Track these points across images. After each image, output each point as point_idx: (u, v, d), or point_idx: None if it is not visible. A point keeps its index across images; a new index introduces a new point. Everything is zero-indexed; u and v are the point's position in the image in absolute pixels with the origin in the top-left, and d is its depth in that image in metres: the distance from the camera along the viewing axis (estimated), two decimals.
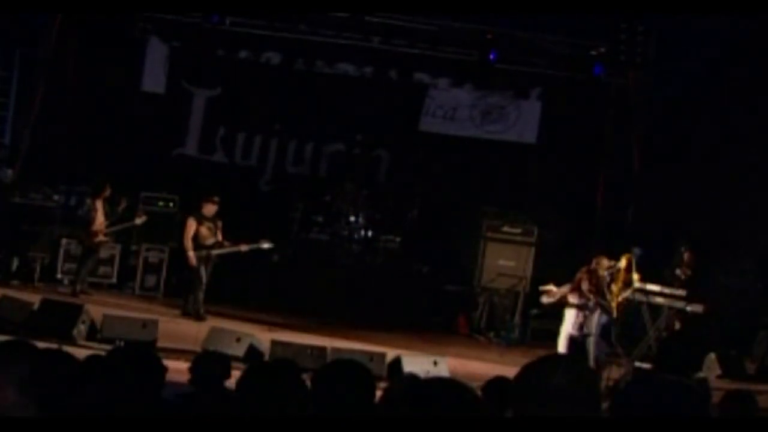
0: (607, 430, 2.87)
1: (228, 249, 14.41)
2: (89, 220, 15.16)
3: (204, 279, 14.26)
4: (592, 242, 15.97)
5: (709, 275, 15.50)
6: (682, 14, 14.94)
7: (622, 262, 12.82)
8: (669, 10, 14.64)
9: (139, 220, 15.47)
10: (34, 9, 15.24)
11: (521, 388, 2.90)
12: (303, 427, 4.04)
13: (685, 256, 14.85)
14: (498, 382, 5.96)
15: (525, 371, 2.95)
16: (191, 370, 6.62)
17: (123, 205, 15.47)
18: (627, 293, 12.94)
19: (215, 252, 14.35)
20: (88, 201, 15.39)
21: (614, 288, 12.66)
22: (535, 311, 13.04)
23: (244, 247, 14.43)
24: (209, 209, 14.35)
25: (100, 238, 15.22)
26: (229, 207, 14.67)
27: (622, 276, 12.85)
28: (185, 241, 14.25)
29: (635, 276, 13.04)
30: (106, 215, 15.26)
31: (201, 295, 14.26)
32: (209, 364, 6.83)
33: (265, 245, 14.58)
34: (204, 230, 14.29)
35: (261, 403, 3.99)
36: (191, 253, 14.17)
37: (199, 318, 14.01)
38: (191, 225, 14.27)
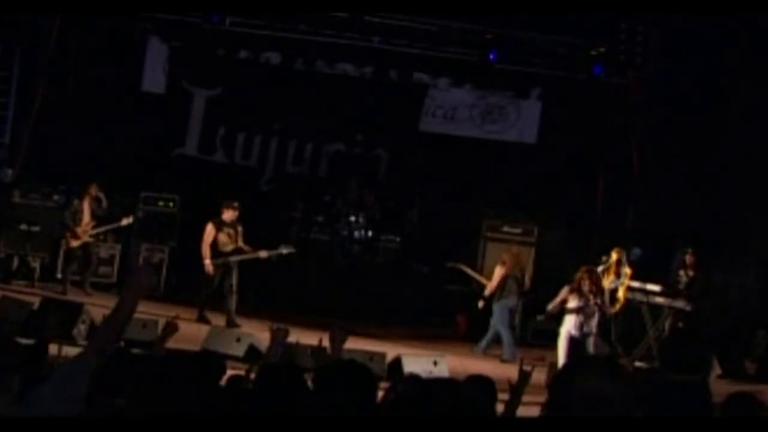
0: (611, 430, 2.87)
1: (246, 255, 14.17)
2: (75, 220, 15.15)
3: (215, 286, 14.12)
4: (592, 242, 15.96)
5: (709, 275, 15.49)
6: (681, 14, 14.93)
7: (613, 257, 13.72)
8: (669, 10, 14.64)
9: (125, 221, 15.43)
10: (34, 9, 15.22)
11: (559, 390, 2.89)
12: (304, 427, 4.03)
13: (687, 258, 14.84)
14: (477, 379, 6.00)
15: (561, 373, 2.96)
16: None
17: (104, 204, 15.44)
18: (616, 284, 13.50)
19: (233, 259, 14.13)
20: (75, 201, 15.35)
21: (606, 281, 13.18)
22: (541, 317, 13.18)
23: (263, 254, 14.21)
24: (229, 215, 14.18)
25: (85, 238, 15.21)
26: None
27: (613, 269, 13.67)
28: (203, 248, 14.05)
29: (627, 270, 13.45)
30: (93, 215, 15.24)
31: (206, 300, 14.22)
32: (203, 363, 6.80)
33: (285, 250, 14.45)
34: (223, 237, 14.12)
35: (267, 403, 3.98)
36: (208, 261, 14.00)
37: (203, 320, 13.96)
38: (210, 231, 14.08)
